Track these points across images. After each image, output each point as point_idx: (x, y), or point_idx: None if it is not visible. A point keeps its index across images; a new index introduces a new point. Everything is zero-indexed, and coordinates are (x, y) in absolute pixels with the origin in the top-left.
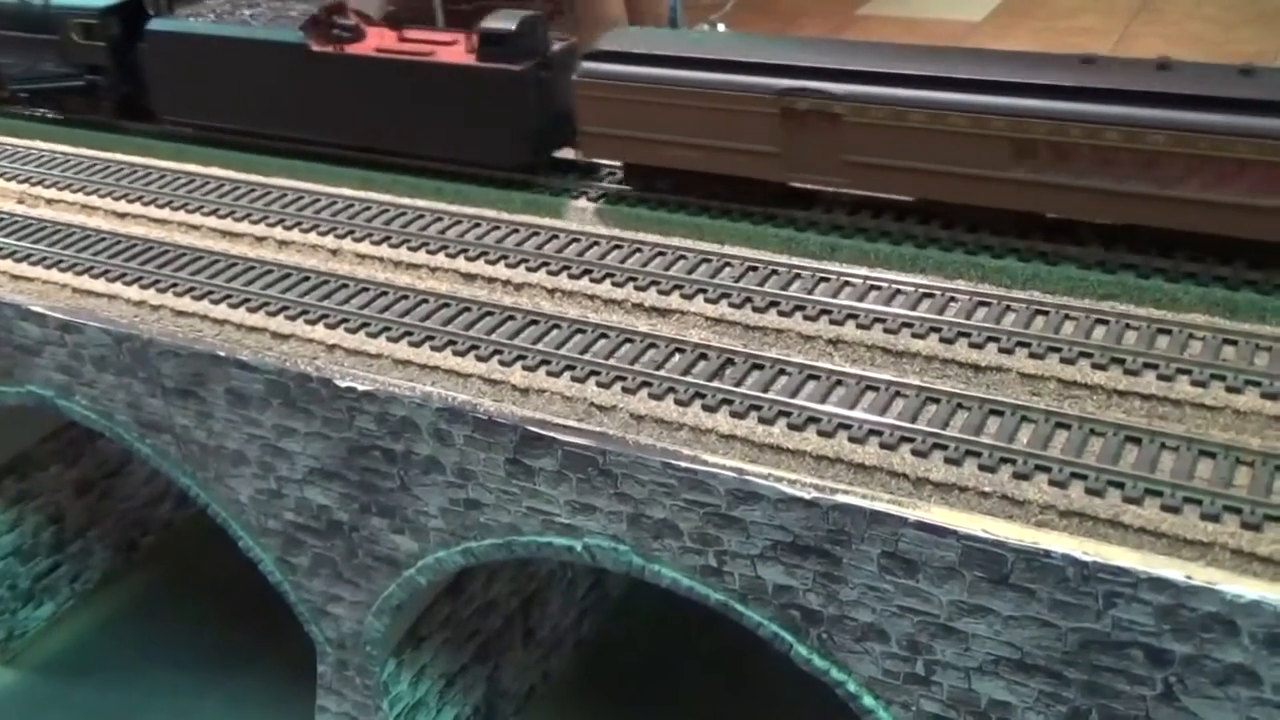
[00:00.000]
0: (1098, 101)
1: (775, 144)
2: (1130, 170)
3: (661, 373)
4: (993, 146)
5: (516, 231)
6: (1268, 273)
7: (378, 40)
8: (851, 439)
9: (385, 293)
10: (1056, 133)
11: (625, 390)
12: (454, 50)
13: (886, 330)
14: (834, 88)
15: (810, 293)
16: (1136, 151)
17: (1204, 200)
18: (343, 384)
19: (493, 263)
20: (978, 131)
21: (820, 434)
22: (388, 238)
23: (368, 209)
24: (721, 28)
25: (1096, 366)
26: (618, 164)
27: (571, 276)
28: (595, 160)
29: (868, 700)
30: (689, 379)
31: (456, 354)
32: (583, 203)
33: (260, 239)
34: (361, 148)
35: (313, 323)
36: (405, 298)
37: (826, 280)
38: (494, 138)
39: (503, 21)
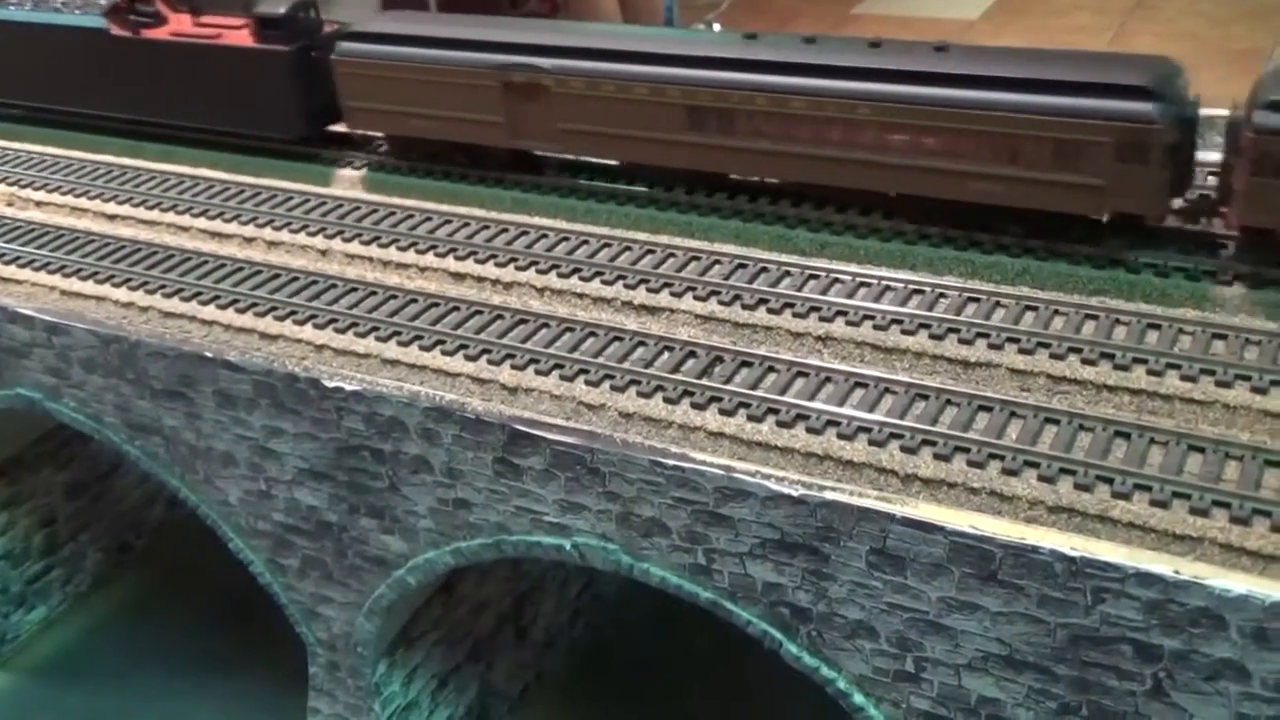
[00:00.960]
0: (754, 72)
1: (500, 114)
2: (780, 133)
3: (650, 371)
4: (671, 113)
5: (506, 231)
6: (1257, 267)
7: (175, 25)
8: (840, 436)
9: (374, 292)
10: (720, 100)
11: (614, 388)
12: (240, 34)
13: (876, 327)
14: (543, 62)
15: (799, 290)
16: (784, 117)
17: (841, 158)
18: (331, 384)
19: (481, 262)
20: (657, 100)
21: (809, 431)
22: (377, 237)
23: (357, 209)
24: (717, 28)
25: (1086, 362)
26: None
27: (561, 275)
28: (362, 132)
29: (858, 698)
30: (677, 377)
31: (445, 353)
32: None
33: (249, 240)
34: (157, 124)
35: (301, 323)
36: (394, 297)
37: (816, 277)
38: (270, 112)
39: (275, 6)
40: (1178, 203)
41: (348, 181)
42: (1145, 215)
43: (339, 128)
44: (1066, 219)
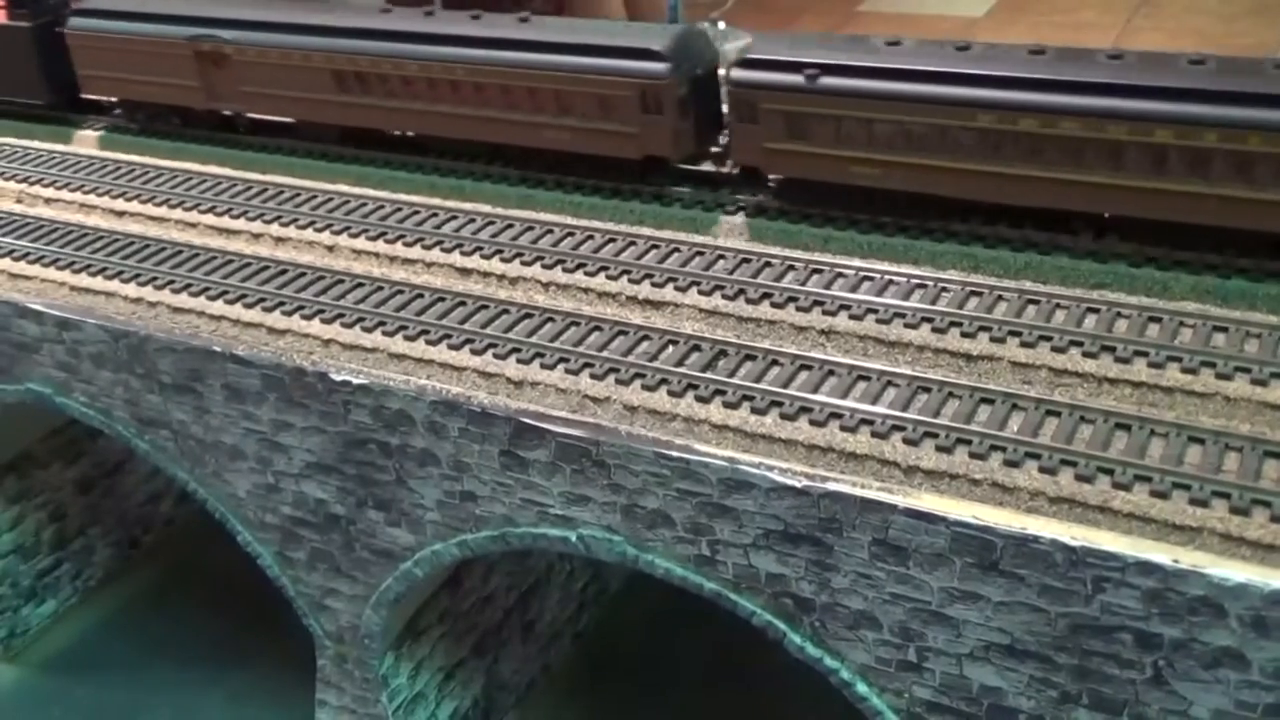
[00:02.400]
0: (383, 40)
1: (195, 79)
2: (406, 92)
3: (655, 364)
4: (321, 77)
5: (511, 226)
6: (1259, 260)
7: None
8: (843, 428)
9: (381, 288)
10: (354, 65)
11: (618, 382)
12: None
13: (879, 320)
14: (225, 34)
15: (803, 284)
16: (404, 79)
17: (450, 113)
18: (338, 378)
19: (487, 257)
20: (310, 65)
21: (812, 423)
22: (384, 233)
23: (364, 205)
24: (722, 25)
25: (1087, 355)
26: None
27: (566, 270)
28: (99, 98)
29: (861, 688)
30: (682, 370)
31: (451, 347)
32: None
33: (257, 235)
34: None
35: (309, 318)
36: (401, 292)
37: (820, 272)
38: (19, 82)
39: None
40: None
41: (353, 178)
42: (668, 157)
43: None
44: (612, 160)
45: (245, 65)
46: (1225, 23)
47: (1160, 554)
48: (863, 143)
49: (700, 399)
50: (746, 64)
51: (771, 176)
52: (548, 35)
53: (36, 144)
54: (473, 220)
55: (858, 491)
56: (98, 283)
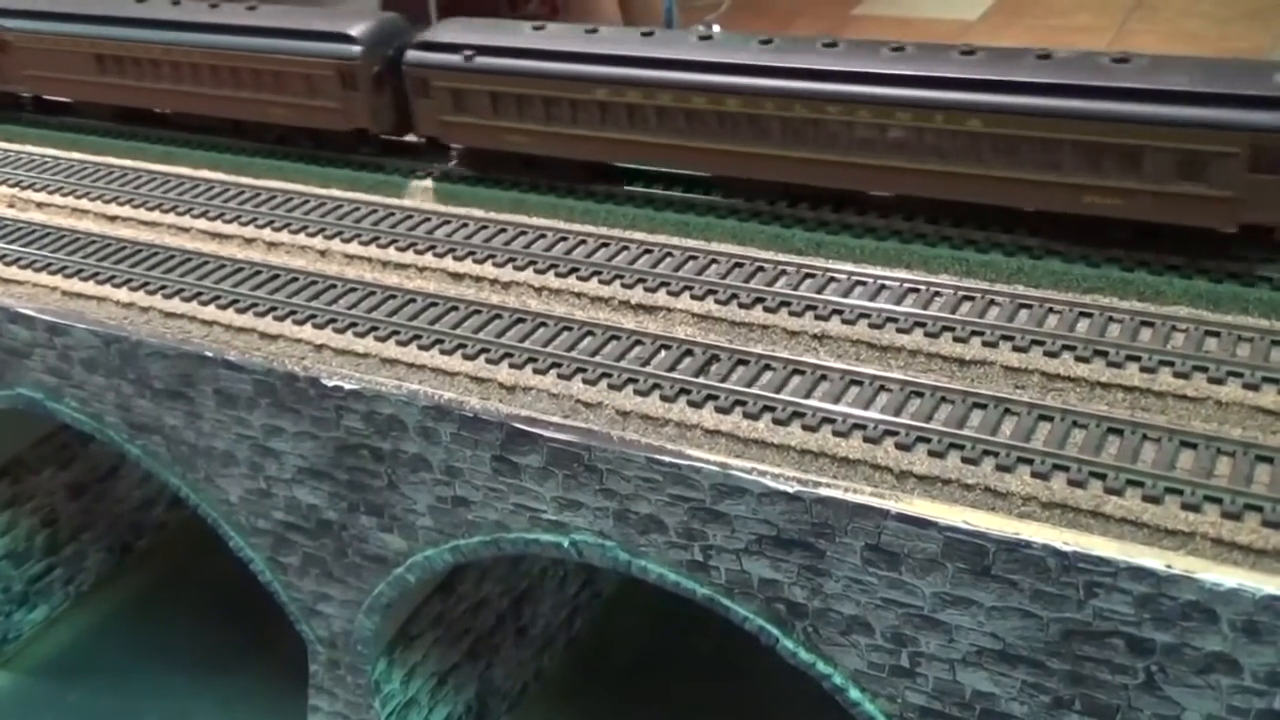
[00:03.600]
0: (135, 28)
1: None
2: (158, 73)
3: (647, 369)
4: (87, 60)
5: (504, 231)
6: (1251, 265)
7: None
8: (835, 433)
9: (373, 292)
10: (116, 50)
11: (611, 387)
12: None
13: (871, 325)
14: (7, 23)
15: (796, 288)
16: (153, 62)
17: (190, 92)
18: (330, 383)
19: (479, 261)
20: (76, 49)
21: (805, 428)
22: (376, 238)
23: (356, 209)
24: (717, 29)
25: (1080, 359)
26: None
27: (558, 275)
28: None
29: (854, 693)
30: (674, 375)
31: (443, 352)
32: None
33: (249, 240)
34: None
35: (301, 323)
36: (393, 297)
37: (812, 276)
38: None
39: None
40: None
41: (346, 182)
42: (369, 129)
43: None
44: (325, 133)
45: (24, 51)
46: (1220, 26)
47: (1152, 559)
48: (514, 114)
49: (693, 404)
50: (419, 46)
51: (453, 146)
52: (263, 20)
53: (29, 148)
54: (465, 225)
55: (850, 497)
56: (89, 287)
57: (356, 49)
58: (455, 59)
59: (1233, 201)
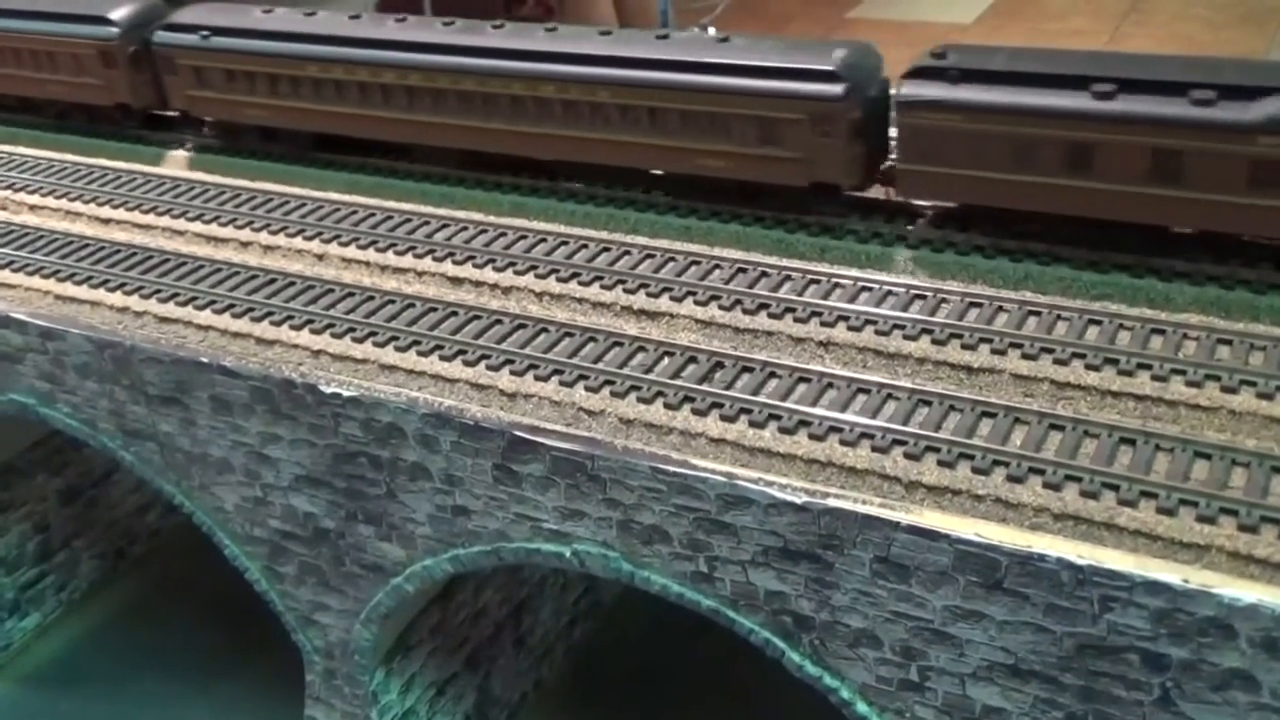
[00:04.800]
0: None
1: None
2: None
3: (651, 376)
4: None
5: (504, 235)
6: (1261, 271)
7: None
8: (843, 442)
9: (371, 297)
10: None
11: (614, 394)
12: None
13: (878, 332)
14: None
15: (801, 294)
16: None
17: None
18: (328, 390)
19: (480, 266)
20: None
21: (811, 437)
22: (374, 241)
23: (354, 213)
24: (712, 31)
25: (1090, 367)
26: None
27: (560, 280)
28: None
29: (861, 707)
30: (678, 382)
31: (443, 359)
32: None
33: (245, 244)
34: None
35: (298, 328)
36: (391, 302)
37: (817, 282)
38: None
39: None
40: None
41: (344, 185)
42: (130, 104)
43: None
44: (113, 109)
45: None
46: (1214, 30)
47: (1169, 573)
48: (246, 89)
49: (697, 412)
50: (166, 27)
51: (208, 119)
52: (42, 5)
53: (20, 150)
54: (465, 228)
55: (859, 508)
56: (83, 291)
57: (115, 30)
58: (194, 39)
59: (804, 162)
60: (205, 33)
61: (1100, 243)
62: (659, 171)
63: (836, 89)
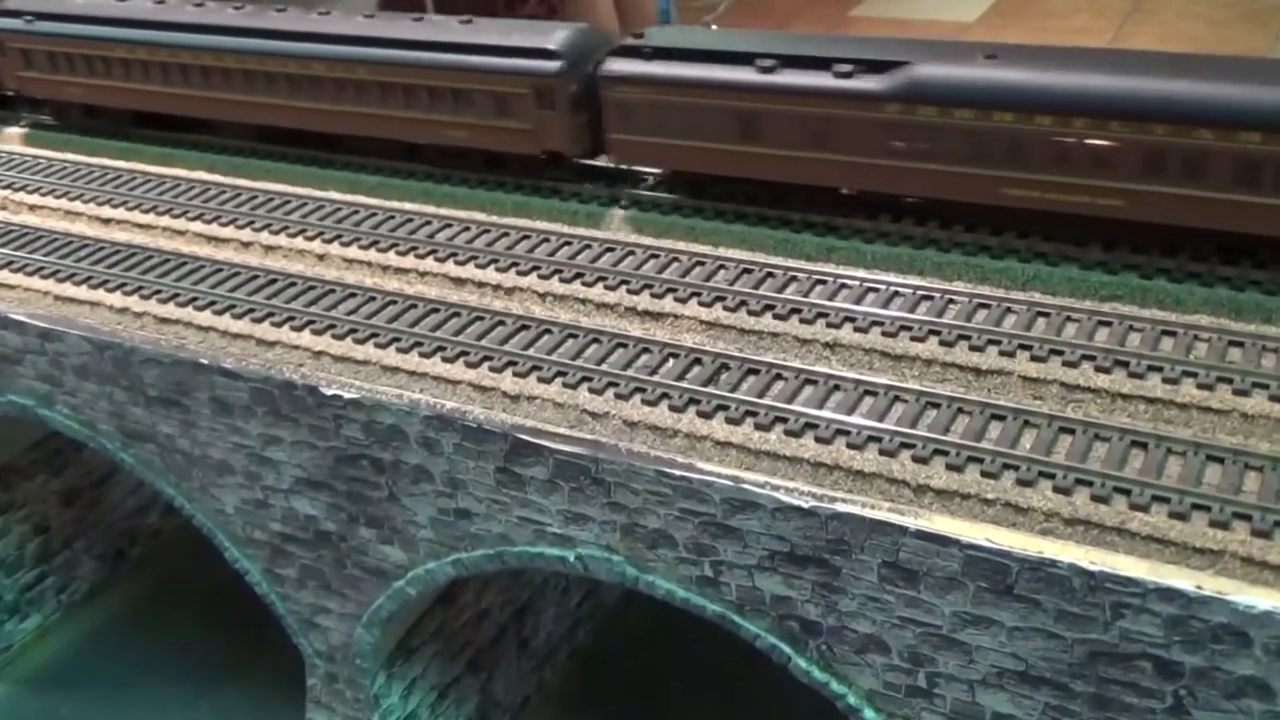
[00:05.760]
0: None
1: None
2: None
3: (655, 378)
4: None
5: (507, 235)
6: (1273, 273)
7: None
8: (850, 445)
9: (373, 298)
10: None
11: (618, 396)
12: None
13: (885, 333)
14: None
15: (806, 295)
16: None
17: None
18: (329, 392)
19: (483, 267)
20: None
21: (818, 440)
22: (376, 242)
23: (356, 212)
24: (715, 29)
25: (1100, 369)
26: None
27: (563, 280)
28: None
29: (869, 713)
30: (683, 384)
31: (446, 360)
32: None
33: (246, 244)
34: None
35: (299, 329)
36: (393, 303)
37: (823, 283)
38: None
39: None
40: None
41: (345, 185)
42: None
43: None
44: None
45: None
46: (1217, 28)
47: (1182, 580)
48: (67, 69)
49: (702, 414)
50: (1, 13)
51: (38, 98)
52: None
53: (20, 149)
54: (467, 228)
55: (867, 513)
56: (82, 292)
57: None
58: (19, 23)
59: (533, 132)
60: (29, 17)
61: (774, 202)
62: (418, 142)
63: (555, 65)
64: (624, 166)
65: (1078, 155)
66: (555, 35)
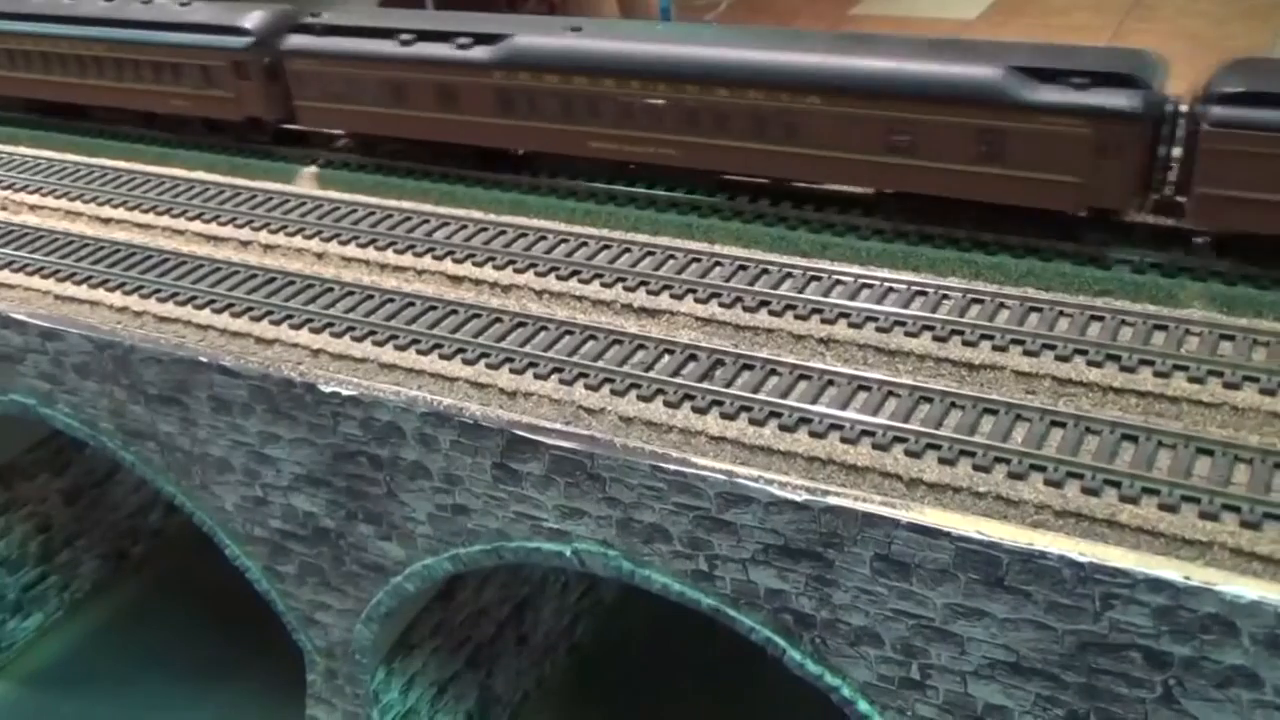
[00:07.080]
0: None
1: None
2: None
3: (651, 374)
4: None
5: (504, 233)
6: (1265, 268)
7: None
8: (844, 440)
9: (370, 296)
10: None
11: (614, 392)
12: None
13: (879, 329)
14: None
15: (801, 291)
16: None
17: None
18: (327, 389)
19: (479, 264)
20: None
21: (812, 435)
22: (373, 240)
23: (353, 211)
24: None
25: (1092, 363)
26: None
27: (560, 278)
28: None
29: (862, 705)
30: (678, 380)
31: (442, 357)
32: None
33: (245, 243)
34: None
35: (297, 327)
36: (391, 300)
37: (818, 279)
38: None
39: None
40: None
41: (344, 184)
42: None
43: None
44: None
45: None
46: (1217, 25)
47: (1171, 570)
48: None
49: (697, 410)
50: None
51: None
52: None
53: (21, 149)
54: (464, 226)
55: (859, 506)
56: (82, 291)
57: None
58: None
59: (236, 100)
60: None
61: (464, 162)
62: (153, 111)
63: (247, 41)
64: (312, 130)
65: (638, 112)
66: (250, 15)
